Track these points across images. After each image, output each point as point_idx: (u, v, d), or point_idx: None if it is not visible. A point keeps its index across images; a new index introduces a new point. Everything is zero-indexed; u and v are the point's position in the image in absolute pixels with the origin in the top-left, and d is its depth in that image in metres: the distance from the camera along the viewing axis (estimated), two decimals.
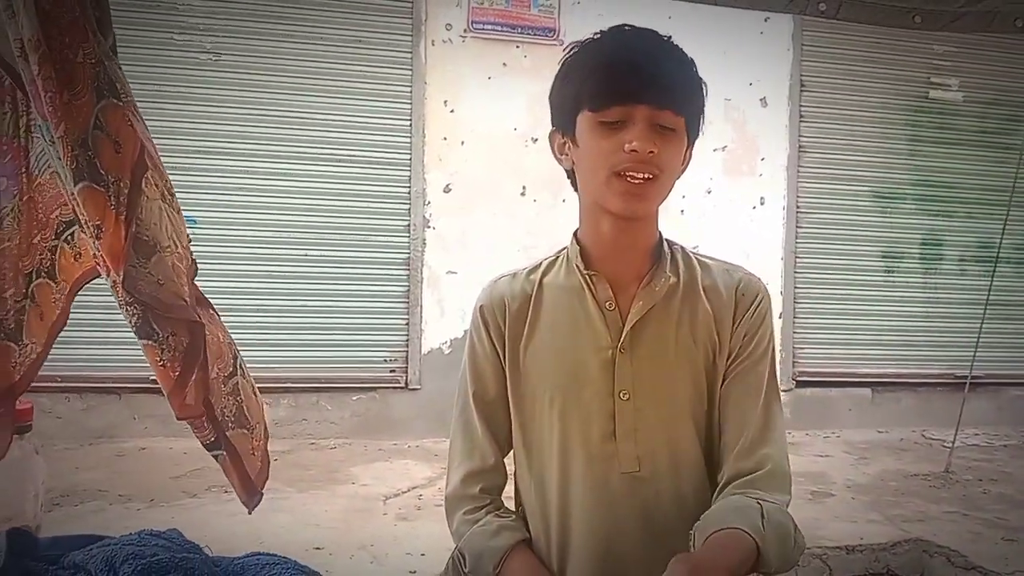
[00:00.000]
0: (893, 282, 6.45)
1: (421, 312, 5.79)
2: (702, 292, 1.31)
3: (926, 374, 6.38)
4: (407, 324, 5.79)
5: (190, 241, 1.48)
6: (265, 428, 1.52)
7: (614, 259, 1.29)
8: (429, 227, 5.79)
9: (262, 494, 1.48)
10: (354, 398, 5.74)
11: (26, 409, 1.31)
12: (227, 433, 1.41)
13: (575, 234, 1.34)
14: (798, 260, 6.27)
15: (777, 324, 6.11)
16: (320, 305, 5.69)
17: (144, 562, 0.86)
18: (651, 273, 1.29)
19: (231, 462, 1.45)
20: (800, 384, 6.21)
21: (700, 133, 1.29)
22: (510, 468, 1.39)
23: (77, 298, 1.59)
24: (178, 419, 1.37)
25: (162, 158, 4.97)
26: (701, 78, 1.26)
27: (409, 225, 5.76)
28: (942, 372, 6.31)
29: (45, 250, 1.48)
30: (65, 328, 1.56)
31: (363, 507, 4.28)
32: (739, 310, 1.31)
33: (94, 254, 1.33)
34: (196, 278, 1.50)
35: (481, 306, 1.35)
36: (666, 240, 1.34)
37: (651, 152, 1.16)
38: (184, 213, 5.14)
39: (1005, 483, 4.85)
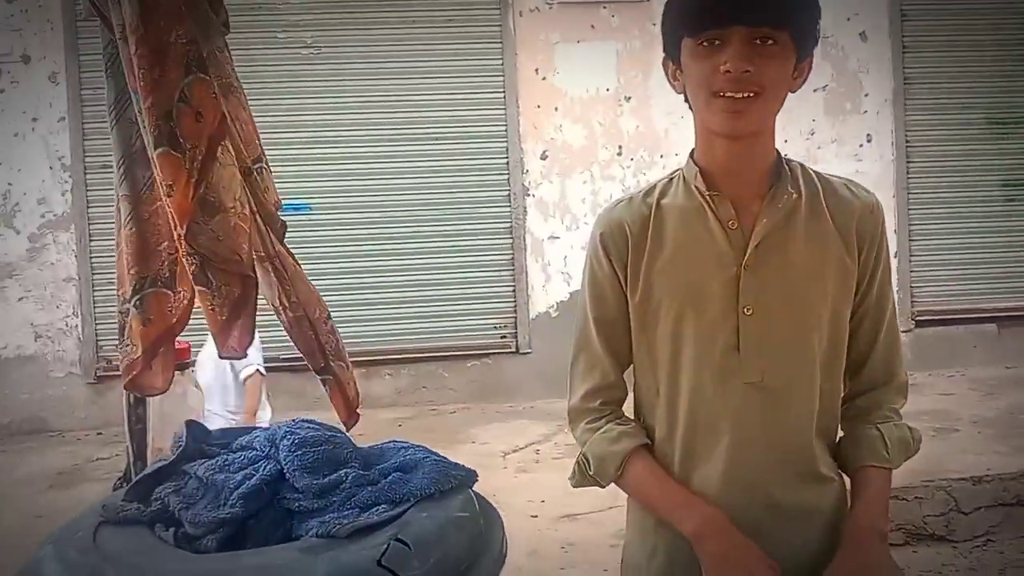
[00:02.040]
0: (1013, 211, 6.14)
1: (527, 278, 5.93)
2: (825, 208, 1.33)
3: None
4: (514, 291, 5.95)
5: (279, 208, 1.64)
6: (351, 366, 1.70)
7: (732, 179, 1.31)
8: (529, 194, 5.91)
9: (359, 415, 1.67)
10: (469, 365, 5.94)
11: (184, 348, 1.51)
12: (331, 364, 1.57)
13: (691, 155, 1.36)
14: (911, 196, 6.06)
15: (893, 263, 5.91)
16: (432, 279, 5.91)
17: (299, 437, 1.02)
18: (772, 191, 1.30)
19: (335, 388, 1.62)
20: (920, 324, 6.01)
21: (816, 42, 1.28)
22: (630, 383, 1.45)
23: None
24: (221, 357, 1.54)
25: (274, 151, 5.21)
26: None
27: (510, 194, 5.90)
28: None
29: None
30: None
31: (484, 463, 4.40)
32: (865, 228, 1.34)
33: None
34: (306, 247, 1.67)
35: (601, 233, 1.37)
36: (784, 158, 1.35)
37: (747, 71, 1.18)
38: (298, 201, 5.40)
39: None
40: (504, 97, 5.84)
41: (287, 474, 1.00)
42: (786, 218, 1.31)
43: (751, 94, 1.20)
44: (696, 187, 1.33)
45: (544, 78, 5.84)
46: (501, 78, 5.84)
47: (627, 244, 1.35)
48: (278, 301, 1.58)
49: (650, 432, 1.40)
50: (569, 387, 1.45)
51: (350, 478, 1.00)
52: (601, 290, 1.39)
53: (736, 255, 1.30)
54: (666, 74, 1.36)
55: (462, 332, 5.97)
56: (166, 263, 1.55)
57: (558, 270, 5.89)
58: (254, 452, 1.04)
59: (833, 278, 1.32)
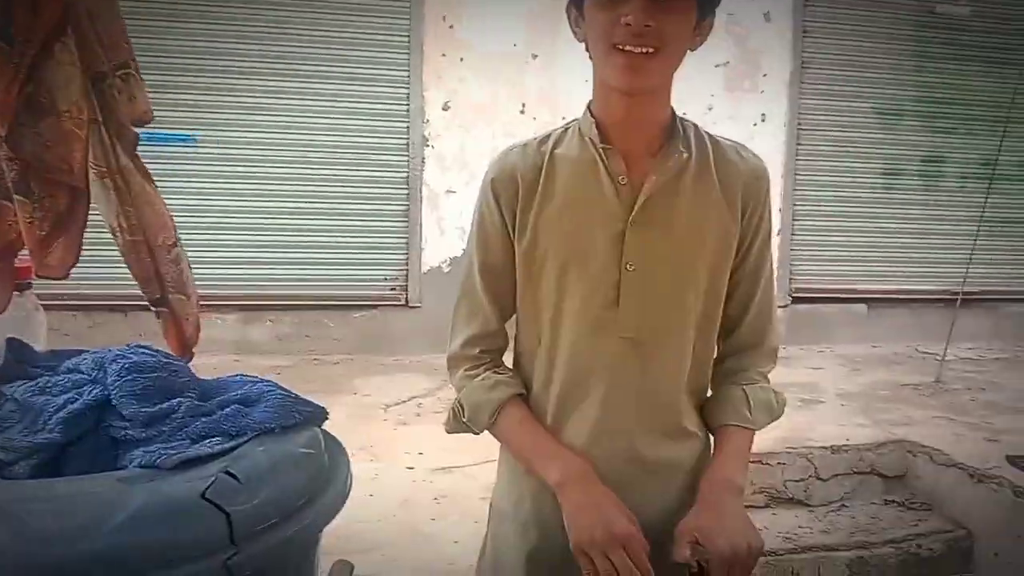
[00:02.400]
0: (892, 199, 6.45)
1: (421, 231, 5.84)
2: (714, 170, 1.33)
3: (922, 290, 6.43)
4: (407, 243, 5.85)
5: (148, 120, 1.52)
6: (198, 299, 1.60)
7: (626, 133, 1.30)
8: (428, 145, 5.79)
9: (193, 354, 1.58)
10: (356, 315, 5.83)
11: (27, 268, 1.38)
12: (168, 296, 1.48)
13: (588, 106, 1.35)
14: (798, 177, 6.27)
15: (776, 240, 6.12)
16: (321, 224, 5.75)
17: (130, 361, 0.94)
18: (664, 148, 1.31)
19: (171, 321, 1.53)
20: (796, 300, 6.27)
21: (717, 2, 1.27)
22: (511, 333, 1.45)
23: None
24: (36, 276, 1.44)
25: (162, 77, 4.89)
26: None
27: (408, 143, 5.77)
28: (938, 288, 6.35)
29: None
30: None
31: (364, 414, 4.42)
32: (750, 193, 1.35)
33: None
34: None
35: (492, 178, 1.36)
36: (679, 117, 1.35)
37: (648, 26, 1.16)
38: (182, 132, 5.13)
39: (993, 391, 4.95)
40: (408, 42, 5.68)
41: (114, 400, 0.92)
42: (675, 177, 1.31)
43: (651, 50, 1.18)
44: (590, 139, 1.32)
45: (451, 26, 5.71)
46: (407, 22, 5.67)
47: (517, 192, 1.33)
48: (115, 222, 1.46)
49: (528, 382, 1.41)
50: (450, 332, 1.44)
51: (183, 408, 0.92)
52: (488, 236, 1.37)
53: (623, 211, 1.30)
54: (569, 21, 1.33)
55: (351, 281, 5.84)
56: (7, 172, 1.41)
57: (453, 225, 5.82)
58: (80, 375, 0.95)
59: (714, 239, 1.34)
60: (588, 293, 1.32)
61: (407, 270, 5.86)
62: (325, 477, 0.96)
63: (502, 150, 1.39)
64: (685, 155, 1.31)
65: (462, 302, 1.42)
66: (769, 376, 1.46)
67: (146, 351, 1.00)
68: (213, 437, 0.90)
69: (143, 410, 0.90)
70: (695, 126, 1.37)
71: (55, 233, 1.39)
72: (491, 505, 1.49)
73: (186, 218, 5.50)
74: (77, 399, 0.90)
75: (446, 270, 5.83)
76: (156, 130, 5.44)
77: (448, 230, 5.84)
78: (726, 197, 1.34)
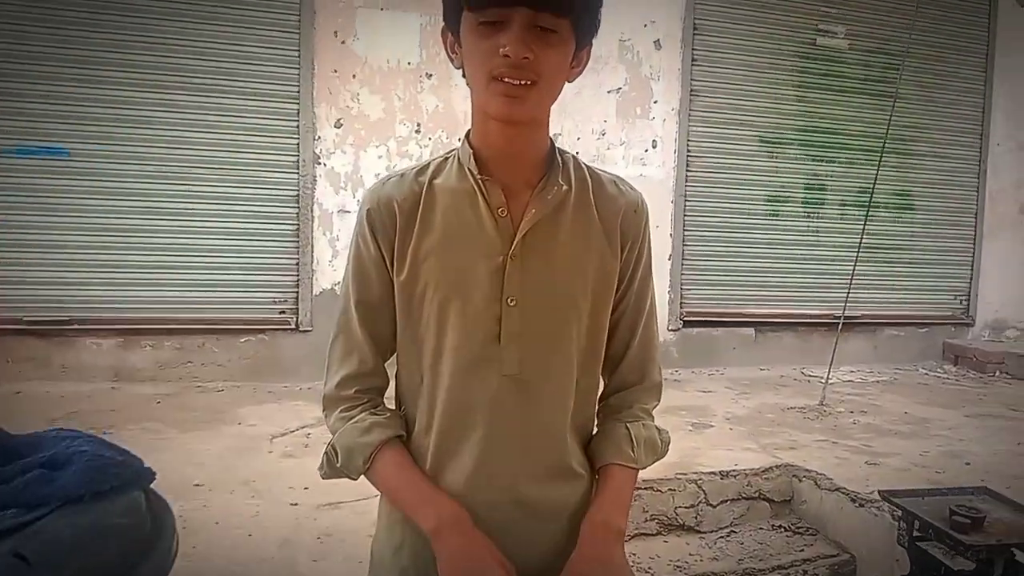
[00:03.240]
0: (777, 225, 6.66)
1: (312, 251, 5.66)
2: (593, 203, 1.32)
3: (807, 314, 6.65)
4: (297, 264, 5.67)
5: None
6: None
7: (505, 165, 1.27)
8: (320, 163, 5.63)
9: None
10: (243, 340, 5.60)
11: None
12: None
13: (467, 136, 1.30)
14: (687, 203, 6.40)
15: (666, 266, 6.24)
16: (206, 244, 5.50)
17: None
18: (543, 181, 1.28)
19: None
20: (687, 324, 6.38)
21: (595, 34, 1.24)
22: (392, 371, 1.37)
23: None
24: None
25: (34, 86, 4.64)
26: None
27: (299, 161, 5.60)
28: (822, 312, 6.59)
29: None
30: None
31: (248, 446, 4.21)
32: (630, 226, 1.34)
33: None
34: None
35: (368, 209, 1.30)
36: (558, 148, 1.33)
37: (526, 58, 1.13)
38: (56, 145, 4.88)
39: (874, 414, 5.12)
40: (299, 56, 5.53)
41: None
42: (554, 210, 1.29)
43: (529, 82, 1.15)
44: (469, 170, 1.27)
45: (343, 42, 5.59)
46: (297, 36, 5.52)
47: (395, 223, 1.28)
48: None
49: (411, 422, 1.34)
50: (326, 372, 1.37)
51: None
52: (365, 271, 1.31)
53: (504, 244, 1.26)
54: (444, 46, 1.29)
55: (237, 304, 5.61)
56: None
57: (346, 245, 5.63)
58: None
59: (594, 273, 1.31)
60: (469, 329, 1.27)
61: (297, 292, 5.67)
62: (142, 549, 0.84)
63: (378, 180, 1.34)
64: (564, 187, 1.30)
65: (337, 340, 1.36)
66: (653, 412, 1.44)
67: None
68: (7, 509, 0.77)
69: None
70: (574, 158, 1.36)
71: None
72: (371, 554, 1.41)
73: (60, 235, 5.20)
74: None
75: (339, 292, 5.65)
76: (27, 142, 5.12)
77: (341, 251, 5.68)
78: (605, 230, 1.32)
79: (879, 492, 2.93)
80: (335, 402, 1.34)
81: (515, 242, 1.26)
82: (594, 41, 1.26)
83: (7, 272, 5.19)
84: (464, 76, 1.26)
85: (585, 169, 1.35)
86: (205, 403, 5.02)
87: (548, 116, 1.28)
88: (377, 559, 1.39)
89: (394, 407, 1.38)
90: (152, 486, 0.94)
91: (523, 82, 1.15)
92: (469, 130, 1.31)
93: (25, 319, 5.19)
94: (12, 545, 0.72)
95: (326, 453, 1.33)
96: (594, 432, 1.40)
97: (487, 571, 1.18)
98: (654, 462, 1.39)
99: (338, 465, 1.31)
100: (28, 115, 5.13)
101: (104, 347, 5.38)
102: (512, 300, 1.26)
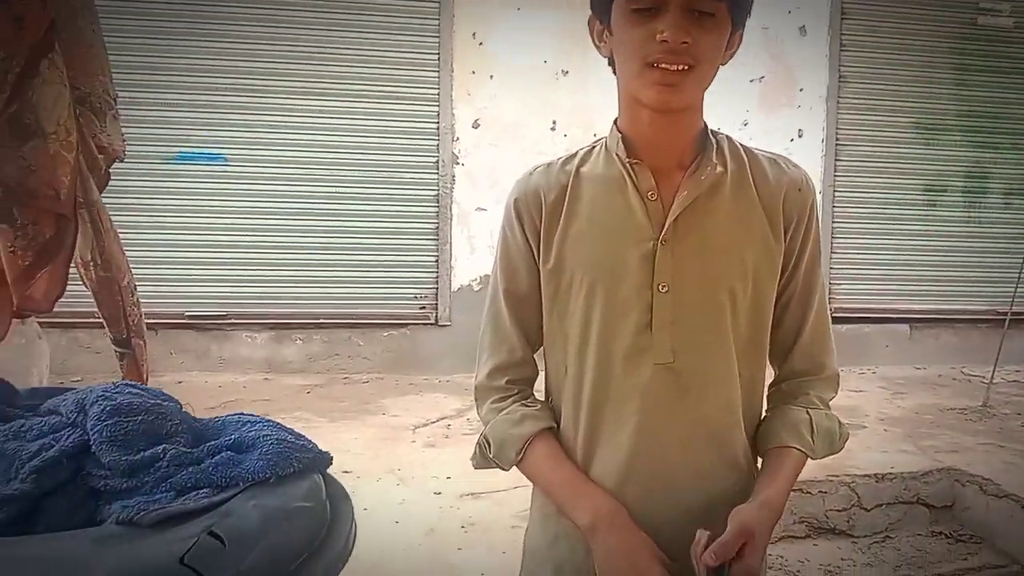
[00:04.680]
0: (935, 216, 6.27)
1: (451, 249, 5.78)
2: (752, 183, 1.25)
3: (966, 310, 6.23)
4: (436, 261, 5.79)
5: (119, 159, 1.43)
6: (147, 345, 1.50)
7: (656, 149, 1.23)
8: (458, 163, 5.74)
9: None
10: (385, 334, 5.78)
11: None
12: (131, 339, 1.40)
13: (615, 123, 1.27)
14: (836, 194, 6.12)
15: None
16: (351, 243, 5.72)
17: (113, 404, 0.86)
18: (696, 162, 1.24)
19: (132, 366, 1.45)
20: (836, 320, 6.03)
21: (749, 14, 1.20)
22: (541, 362, 1.37)
23: None
24: (18, 308, 1.33)
25: (194, 96, 4.91)
26: None
27: (438, 161, 5.73)
28: (983, 308, 6.16)
29: None
30: None
31: (392, 436, 4.34)
32: (794, 205, 1.26)
33: None
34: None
35: (515, 199, 1.30)
36: (712, 130, 1.28)
37: (684, 43, 1.10)
38: (214, 150, 5.16)
39: None
40: (438, 59, 5.65)
41: (93, 446, 0.84)
42: (709, 192, 1.23)
43: (686, 67, 1.11)
44: (617, 155, 1.24)
45: (481, 43, 5.66)
46: (437, 39, 5.63)
47: (541, 212, 1.27)
48: (88, 255, 1.38)
49: (557, 413, 1.33)
50: (477, 362, 1.37)
51: (168, 455, 0.84)
52: (513, 261, 1.30)
53: (654, 228, 1.22)
54: (591, 34, 1.25)
55: (380, 300, 5.80)
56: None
57: (484, 243, 5.76)
58: (58, 418, 0.88)
59: (755, 257, 1.24)
60: (618, 317, 1.23)
61: (437, 288, 5.80)
62: (324, 534, 0.87)
63: (525, 171, 1.33)
64: (719, 169, 1.24)
65: (487, 330, 1.35)
66: (831, 405, 1.33)
67: (133, 390, 0.92)
68: (200, 489, 0.82)
69: (124, 458, 0.82)
70: (729, 139, 1.29)
71: (39, 263, 1.31)
72: (524, 545, 1.40)
73: (217, 236, 5.51)
74: (53, 445, 0.82)
75: (476, 288, 5.75)
76: (187, 149, 5.48)
77: (478, 248, 5.77)
78: (766, 211, 1.25)
79: None
80: (486, 392, 1.34)
81: (666, 226, 1.21)
82: None
83: (170, 271, 5.56)
84: (611, 66, 1.24)
85: (742, 149, 1.28)
86: (351, 394, 5.22)
87: (702, 101, 1.23)
88: (531, 551, 1.38)
89: (543, 398, 1.37)
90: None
91: (680, 67, 1.11)
92: (617, 117, 1.27)
93: (186, 314, 5.55)
94: (206, 524, 0.77)
95: (479, 443, 1.34)
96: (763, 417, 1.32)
97: (647, 570, 1.15)
98: (826, 456, 1.29)
99: (491, 456, 1.31)
100: (189, 124, 5.47)
101: (258, 340, 5.68)
102: (664, 286, 1.21)
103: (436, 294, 5.80)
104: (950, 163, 6.26)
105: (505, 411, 1.30)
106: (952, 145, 6.25)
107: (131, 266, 1.49)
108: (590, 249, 1.25)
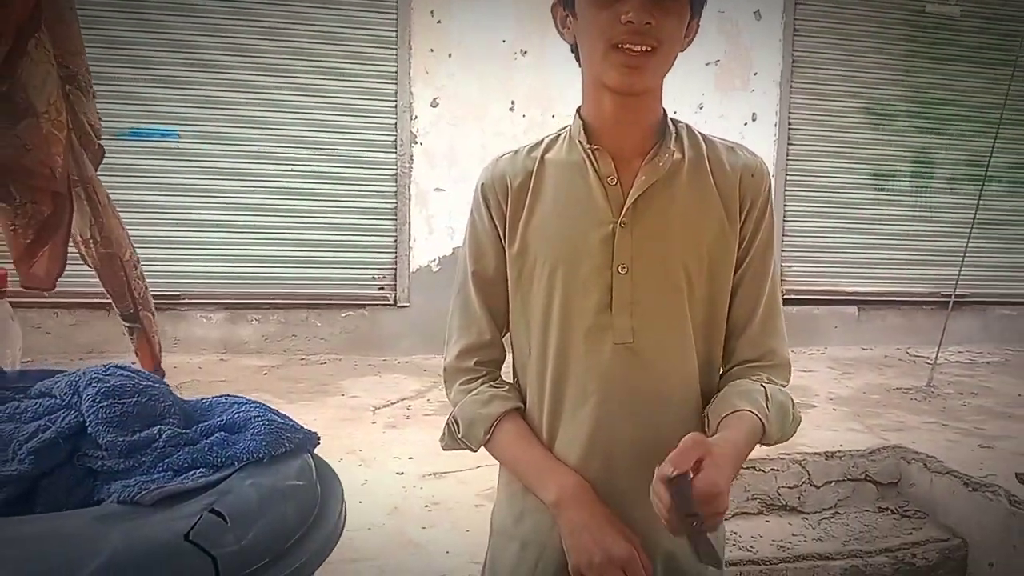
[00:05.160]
0: (883, 200, 6.43)
1: (409, 229, 5.77)
2: (708, 169, 1.29)
3: (912, 292, 6.42)
4: (395, 241, 5.78)
5: (99, 134, 1.43)
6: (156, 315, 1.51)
7: (617, 134, 1.27)
8: (416, 143, 5.72)
9: (164, 371, 1.49)
10: (343, 315, 5.76)
11: (1, 275, 1.30)
12: (139, 312, 1.40)
13: (578, 110, 1.32)
14: (788, 177, 6.24)
15: None
16: (308, 222, 5.66)
17: (107, 386, 0.87)
18: (655, 149, 1.27)
19: (143, 338, 1.45)
20: (787, 302, 6.22)
21: (706, 2, 1.24)
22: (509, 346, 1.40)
23: None
24: (23, 286, 1.34)
25: (146, 71, 4.82)
26: None
27: (396, 140, 5.70)
28: (929, 291, 6.36)
29: None
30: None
31: (352, 416, 4.34)
32: (748, 189, 1.30)
33: None
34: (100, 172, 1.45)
35: (482, 184, 1.34)
36: (671, 118, 1.31)
37: (648, 23, 1.14)
38: (167, 126, 5.06)
39: (985, 396, 4.93)
40: (396, 37, 5.60)
41: (90, 428, 0.85)
42: (667, 177, 1.27)
43: (649, 48, 1.15)
44: (579, 141, 1.28)
45: (439, 21, 5.63)
46: (394, 17, 5.59)
47: (507, 197, 1.31)
48: (87, 233, 1.37)
49: (524, 393, 1.36)
50: (445, 343, 1.39)
51: (164, 436, 0.85)
52: (480, 244, 1.34)
53: (614, 212, 1.26)
54: (555, 21, 1.29)
55: (338, 280, 5.77)
56: None
57: (443, 223, 5.76)
58: (52, 400, 0.88)
59: (711, 240, 1.29)
60: (579, 298, 1.27)
61: (395, 269, 5.79)
62: (318, 511, 0.89)
63: (493, 158, 1.37)
64: (677, 155, 1.28)
65: (456, 313, 1.38)
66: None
67: (124, 372, 0.93)
68: (197, 469, 0.83)
69: (121, 439, 0.83)
70: (688, 126, 1.34)
71: (40, 241, 1.31)
72: (491, 523, 1.43)
73: (171, 215, 5.42)
74: (49, 427, 0.83)
75: (435, 269, 5.76)
76: (140, 126, 5.37)
77: (437, 228, 5.77)
78: (722, 196, 1.29)
79: (1016, 475, 2.83)
80: (455, 374, 1.37)
81: (625, 209, 1.25)
82: None
83: None
84: (574, 52, 1.27)
85: (700, 137, 1.33)
86: (309, 375, 5.20)
87: (662, 86, 1.27)
88: (498, 528, 1.41)
89: (511, 380, 1.40)
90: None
91: (643, 48, 1.15)
92: (579, 105, 1.31)
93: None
94: (206, 503, 0.78)
95: (447, 424, 1.36)
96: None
97: (612, 544, 1.18)
98: (778, 440, 1.28)
99: (459, 436, 1.34)
100: (141, 99, 5.35)
101: (213, 320, 5.61)
102: (623, 268, 1.25)
103: (395, 275, 5.79)
104: (898, 148, 6.43)
105: (474, 392, 1.33)
106: (900, 131, 6.41)
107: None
108: (552, 232, 1.29)
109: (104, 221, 1.38)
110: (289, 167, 5.58)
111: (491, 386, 1.34)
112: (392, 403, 4.62)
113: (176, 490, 0.80)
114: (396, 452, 3.77)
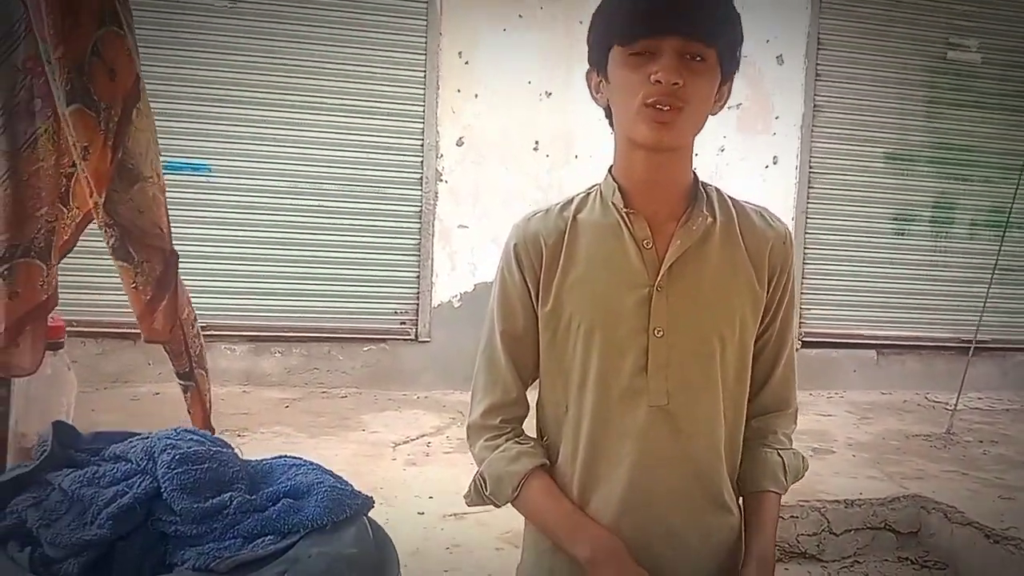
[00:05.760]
0: (903, 245, 6.45)
1: (432, 265, 5.83)
2: (739, 235, 1.34)
3: (932, 337, 6.41)
4: (418, 277, 5.84)
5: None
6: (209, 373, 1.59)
7: (650, 197, 1.31)
8: (441, 180, 5.81)
9: (214, 429, 1.54)
10: (365, 349, 5.81)
11: (58, 327, 1.36)
12: (194, 370, 1.47)
13: (610, 171, 1.35)
14: (809, 220, 6.28)
15: None
16: (333, 256, 5.75)
17: (181, 452, 0.92)
18: (688, 212, 1.31)
19: (196, 397, 1.51)
20: (806, 344, 6.24)
21: (737, 67, 1.29)
22: (532, 398, 1.42)
23: (95, 244, 1.62)
24: (146, 341, 1.42)
25: (180, 106, 4.94)
26: (736, 11, 1.25)
27: (422, 178, 5.79)
28: (948, 336, 6.35)
29: (62, 176, 1.52)
30: (82, 273, 1.61)
31: (373, 452, 4.38)
32: (777, 258, 1.35)
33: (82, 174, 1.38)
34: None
35: (515, 244, 1.35)
36: (701, 181, 1.36)
37: (676, 84, 1.17)
38: (198, 161, 5.17)
39: (1005, 445, 4.91)
40: (424, 77, 5.72)
41: (164, 493, 0.89)
42: (700, 241, 1.31)
43: (677, 108, 1.19)
44: (613, 203, 1.32)
45: (467, 63, 5.74)
46: (423, 57, 5.70)
47: (541, 257, 1.33)
48: None
49: (554, 450, 1.38)
50: (470, 401, 1.41)
51: (235, 503, 0.90)
52: (511, 303, 1.36)
53: (649, 275, 1.29)
54: (588, 86, 1.34)
55: (360, 314, 5.83)
56: (42, 231, 1.39)
57: (465, 260, 5.82)
58: (128, 465, 0.93)
59: (742, 305, 1.33)
60: (615, 359, 1.30)
61: (417, 304, 5.85)
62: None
63: (523, 216, 1.39)
64: (709, 219, 1.32)
65: (482, 370, 1.40)
66: (793, 437, 1.45)
67: (194, 437, 0.97)
68: (266, 536, 0.87)
69: (195, 505, 0.88)
70: (717, 190, 1.38)
71: (157, 297, 1.38)
72: None
73: (199, 247, 5.51)
74: (127, 492, 0.88)
75: (456, 305, 5.82)
76: (171, 158, 5.48)
77: (459, 265, 5.84)
78: (753, 262, 1.33)
79: None
80: (480, 431, 1.38)
81: (661, 273, 1.28)
82: None
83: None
84: (608, 117, 1.32)
85: (730, 201, 1.37)
86: (331, 408, 5.25)
87: (692, 146, 1.31)
88: None
89: (535, 436, 1.42)
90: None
91: (672, 108, 1.19)
92: (611, 165, 1.35)
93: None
94: (278, 571, 0.83)
95: (474, 481, 1.37)
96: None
97: None
98: (793, 483, 1.41)
99: (487, 493, 1.34)
100: (174, 133, 5.45)
101: (237, 352, 5.68)
102: (659, 331, 1.28)
103: (416, 310, 5.85)
104: (919, 193, 6.46)
105: (500, 448, 1.34)
106: (921, 176, 6.45)
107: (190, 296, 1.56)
108: (588, 293, 1.31)
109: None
110: (316, 202, 5.68)
111: (517, 442, 1.35)
112: (412, 439, 4.65)
113: (248, 558, 0.84)
114: (417, 491, 3.79)
